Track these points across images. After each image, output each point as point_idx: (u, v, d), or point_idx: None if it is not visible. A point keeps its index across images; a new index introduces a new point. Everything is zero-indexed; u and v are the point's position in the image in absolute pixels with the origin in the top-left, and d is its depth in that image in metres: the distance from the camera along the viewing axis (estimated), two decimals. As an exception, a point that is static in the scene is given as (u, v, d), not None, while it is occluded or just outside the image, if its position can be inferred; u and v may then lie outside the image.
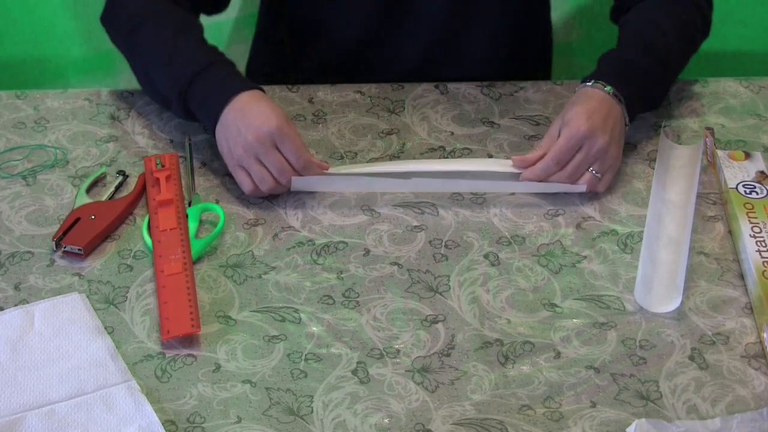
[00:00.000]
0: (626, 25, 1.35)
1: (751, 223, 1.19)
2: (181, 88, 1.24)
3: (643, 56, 1.29)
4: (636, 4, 1.37)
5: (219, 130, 1.23)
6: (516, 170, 1.25)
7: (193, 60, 1.25)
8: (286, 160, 1.20)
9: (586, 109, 1.23)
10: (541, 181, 1.24)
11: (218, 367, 1.05)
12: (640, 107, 1.31)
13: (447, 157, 1.31)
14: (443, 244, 1.19)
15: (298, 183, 1.23)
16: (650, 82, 1.31)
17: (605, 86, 1.25)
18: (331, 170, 1.24)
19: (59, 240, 1.16)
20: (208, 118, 1.24)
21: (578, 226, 1.22)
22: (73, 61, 1.79)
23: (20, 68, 1.78)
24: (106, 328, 1.08)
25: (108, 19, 1.35)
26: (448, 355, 1.07)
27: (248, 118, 1.20)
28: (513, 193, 1.26)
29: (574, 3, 1.77)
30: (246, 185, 1.22)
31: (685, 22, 1.35)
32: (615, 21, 1.41)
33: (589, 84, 1.26)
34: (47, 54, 1.78)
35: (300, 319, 1.10)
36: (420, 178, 1.25)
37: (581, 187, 1.24)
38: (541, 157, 1.24)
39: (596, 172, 1.23)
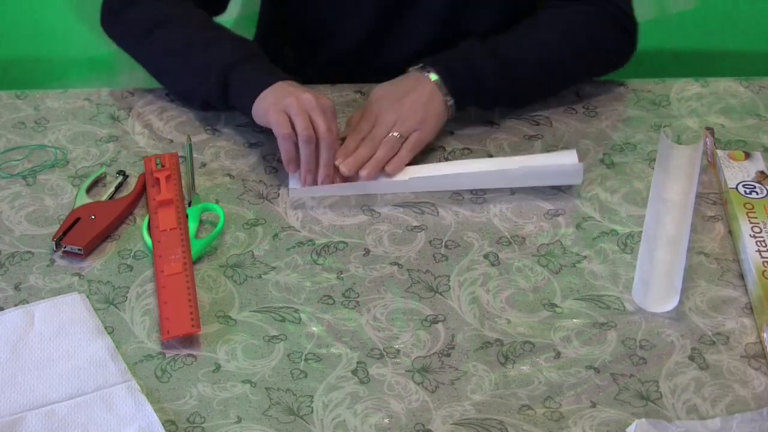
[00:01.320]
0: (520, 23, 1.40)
1: (751, 223, 1.19)
2: (227, 64, 1.27)
3: (481, 52, 1.33)
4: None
5: (267, 92, 1.25)
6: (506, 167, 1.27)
7: (241, 44, 1.32)
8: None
9: (388, 84, 1.33)
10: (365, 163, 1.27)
11: (218, 367, 1.05)
12: (470, 96, 1.33)
13: (447, 158, 1.31)
14: (443, 244, 1.19)
15: (296, 192, 1.24)
16: (480, 72, 1.32)
17: (426, 69, 1.32)
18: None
19: (59, 240, 1.16)
20: (255, 88, 1.26)
21: (578, 226, 1.22)
22: (73, 61, 1.79)
23: (20, 68, 1.78)
24: (106, 328, 1.08)
25: (114, 22, 1.35)
26: (448, 355, 1.07)
27: (307, 90, 1.25)
28: (513, 193, 1.26)
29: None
30: (283, 127, 1.22)
31: (582, 36, 1.37)
32: None
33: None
34: (47, 54, 1.78)
35: (300, 319, 1.10)
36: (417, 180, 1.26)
37: (578, 178, 1.25)
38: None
39: (396, 134, 1.27)
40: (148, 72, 1.36)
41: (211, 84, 1.29)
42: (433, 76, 1.31)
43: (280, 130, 1.22)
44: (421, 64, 1.33)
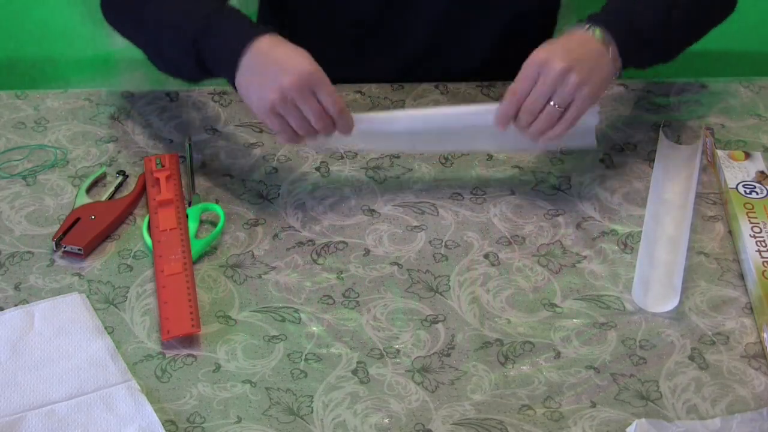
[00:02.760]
0: None
1: (751, 223, 1.19)
2: (194, 38, 1.18)
3: (641, 4, 1.23)
4: None
5: (243, 76, 1.16)
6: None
7: (199, 11, 1.19)
8: (323, 104, 1.15)
9: (550, 42, 1.18)
10: (506, 120, 1.18)
11: (218, 367, 1.05)
12: (636, 53, 1.23)
13: (447, 158, 1.31)
14: (443, 244, 1.19)
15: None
16: (647, 32, 1.23)
17: (589, 27, 1.19)
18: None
19: (59, 240, 1.16)
20: (227, 67, 1.17)
21: (578, 226, 1.22)
22: (73, 61, 1.79)
23: (20, 68, 1.78)
24: (106, 328, 1.08)
25: (110, 6, 1.33)
26: (448, 355, 1.07)
27: (279, 63, 1.14)
28: (513, 193, 1.26)
29: (575, 2, 1.77)
30: (283, 134, 1.16)
31: None
32: None
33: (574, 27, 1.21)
34: (47, 54, 1.78)
35: (300, 319, 1.10)
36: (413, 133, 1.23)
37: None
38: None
39: (557, 105, 1.15)
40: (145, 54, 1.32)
41: (187, 60, 1.21)
42: (598, 34, 1.19)
43: (280, 137, 1.17)
44: (586, 24, 1.19)
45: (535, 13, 1.48)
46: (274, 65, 1.14)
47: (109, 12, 1.35)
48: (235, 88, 1.18)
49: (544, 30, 1.53)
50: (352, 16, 1.44)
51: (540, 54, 1.16)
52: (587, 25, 1.20)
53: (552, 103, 1.15)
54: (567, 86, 1.15)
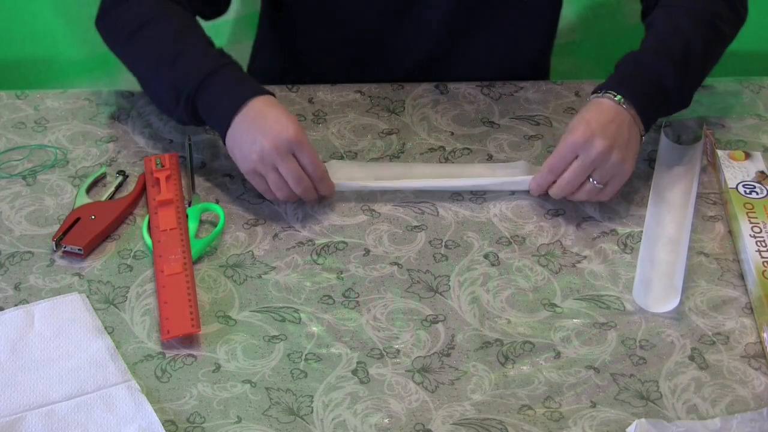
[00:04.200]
0: (648, 28, 1.30)
1: (751, 223, 1.19)
2: (189, 93, 1.21)
3: (658, 61, 1.24)
4: (659, 3, 1.32)
5: (231, 136, 1.20)
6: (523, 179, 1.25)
7: (200, 63, 1.22)
8: (303, 168, 1.19)
9: (586, 116, 1.19)
10: (541, 191, 1.24)
11: (218, 367, 1.05)
12: (656, 114, 1.26)
13: (447, 158, 1.31)
14: (443, 244, 1.19)
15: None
16: (668, 89, 1.24)
17: (615, 96, 1.21)
18: (339, 183, 1.24)
19: (59, 240, 1.16)
20: (219, 125, 1.21)
21: (578, 226, 1.22)
22: (73, 61, 1.79)
23: (20, 68, 1.78)
24: (106, 328, 1.08)
25: (104, 23, 1.31)
26: (448, 355, 1.07)
27: (264, 126, 1.17)
28: (513, 193, 1.26)
29: (575, 3, 1.77)
30: (267, 193, 1.22)
31: (709, 17, 1.29)
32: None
33: (600, 95, 1.22)
34: (47, 54, 1.78)
35: (300, 319, 1.10)
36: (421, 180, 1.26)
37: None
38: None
39: (597, 182, 1.19)
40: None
41: (181, 110, 1.23)
42: (631, 111, 1.21)
43: (266, 195, 1.22)
44: (616, 95, 1.21)
45: (536, 24, 1.48)
46: (259, 130, 1.18)
47: (102, 32, 1.33)
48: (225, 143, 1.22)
49: (544, 40, 1.54)
50: (354, 27, 1.44)
51: (578, 135, 1.18)
52: (613, 94, 1.21)
53: (592, 180, 1.19)
54: (608, 165, 1.18)
